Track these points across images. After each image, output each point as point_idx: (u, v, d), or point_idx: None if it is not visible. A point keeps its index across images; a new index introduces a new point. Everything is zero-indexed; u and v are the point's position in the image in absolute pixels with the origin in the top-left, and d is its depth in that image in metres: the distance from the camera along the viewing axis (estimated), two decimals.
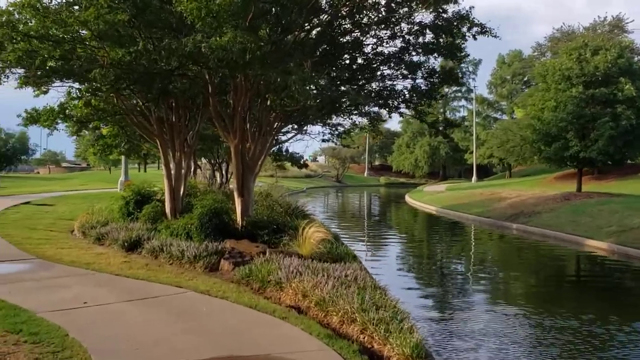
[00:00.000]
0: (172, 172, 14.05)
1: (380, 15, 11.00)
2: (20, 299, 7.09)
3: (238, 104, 12.08)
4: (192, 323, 6.37)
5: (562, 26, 61.88)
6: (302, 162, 24.11)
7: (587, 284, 13.62)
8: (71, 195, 26.87)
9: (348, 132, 21.17)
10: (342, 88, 10.98)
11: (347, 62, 11.74)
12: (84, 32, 9.05)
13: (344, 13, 10.81)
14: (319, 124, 18.53)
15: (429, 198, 37.51)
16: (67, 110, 12.32)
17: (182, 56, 9.88)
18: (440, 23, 11.14)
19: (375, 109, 12.34)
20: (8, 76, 11.88)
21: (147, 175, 45.08)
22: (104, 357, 5.19)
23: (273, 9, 9.79)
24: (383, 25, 11.57)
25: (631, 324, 9.04)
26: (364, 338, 6.20)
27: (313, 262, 8.99)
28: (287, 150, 23.72)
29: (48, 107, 11.88)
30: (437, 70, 11.85)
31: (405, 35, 11.70)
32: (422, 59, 12.69)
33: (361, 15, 10.99)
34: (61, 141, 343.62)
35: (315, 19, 11.26)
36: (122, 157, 27.26)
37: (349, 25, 11.55)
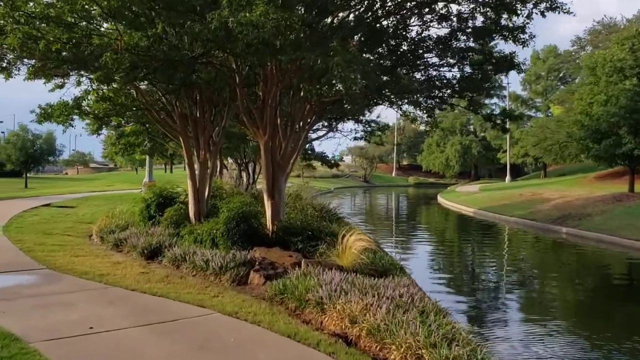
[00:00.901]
0: (196, 172, 12.90)
1: None
2: (14, 321, 5.95)
3: (268, 97, 10.83)
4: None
5: (603, 18, 59.14)
6: (333, 161, 22.86)
7: None
8: (94, 197, 26.10)
9: (383, 128, 19.81)
10: (385, 77, 9.56)
11: (392, 46, 10.33)
12: (93, 9, 7.91)
13: None
14: (352, 119, 17.22)
15: (464, 199, 35.76)
16: (82, 105, 11.26)
17: (207, 40, 8.69)
18: None
19: (424, 100, 10.80)
20: (19, 68, 10.96)
21: (173, 176, 44.42)
22: None
23: None
24: (431, 6, 10.15)
25: None
26: None
27: (358, 277, 7.68)
28: (312, 150, 22.49)
29: (61, 102, 10.83)
30: (494, 55, 10.34)
31: (457, 17, 10.24)
32: (472, 44, 11.20)
33: None
34: (90, 142, 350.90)
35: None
36: (147, 157, 26.41)
37: (391, 5, 10.17)
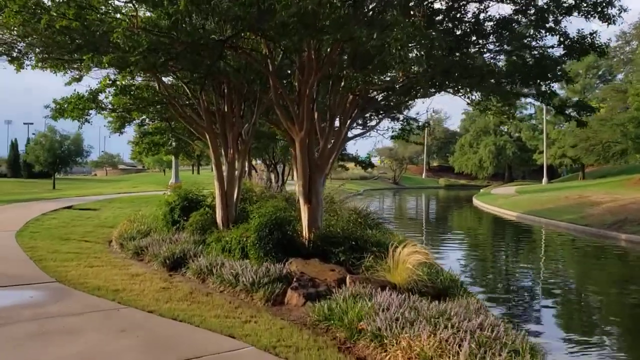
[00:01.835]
0: (224, 173, 11.70)
1: None
2: (1, 357, 4.77)
3: (305, 87, 9.52)
4: None
5: None
6: (368, 162, 21.48)
7: None
8: (119, 199, 25.23)
9: (423, 126, 18.29)
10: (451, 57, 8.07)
11: (449, 28, 8.87)
12: None
13: None
14: (390, 117, 15.79)
15: (503, 202, 33.84)
16: (99, 99, 10.17)
17: (237, 18, 7.44)
18: None
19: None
20: (32, 58, 9.92)
21: (200, 177, 43.67)
22: None
23: None
24: None
25: None
26: None
27: (420, 301, 6.30)
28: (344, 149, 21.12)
29: (75, 94, 9.75)
30: (572, 36, 8.73)
31: None
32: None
33: None
34: (118, 144, 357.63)
35: None
36: (172, 158, 25.51)
37: None
